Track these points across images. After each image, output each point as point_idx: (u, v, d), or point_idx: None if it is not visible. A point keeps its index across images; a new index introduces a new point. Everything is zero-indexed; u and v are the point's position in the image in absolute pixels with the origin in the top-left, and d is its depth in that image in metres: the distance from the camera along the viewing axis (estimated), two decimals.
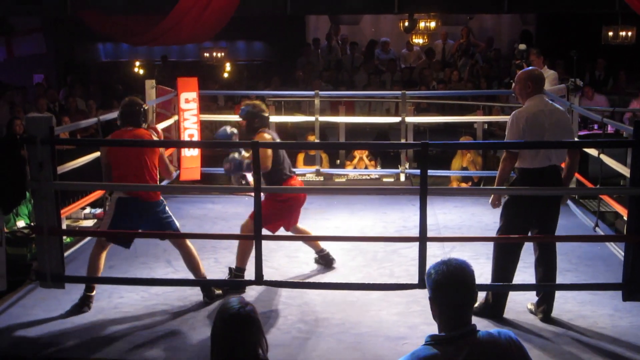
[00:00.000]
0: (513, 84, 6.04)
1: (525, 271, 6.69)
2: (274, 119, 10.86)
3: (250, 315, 3.23)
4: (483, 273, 6.63)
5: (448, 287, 2.93)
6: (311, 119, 10.23)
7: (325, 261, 6.96)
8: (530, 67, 6.33)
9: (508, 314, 5.77)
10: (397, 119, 10.02)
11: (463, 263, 2.98)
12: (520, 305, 5.93)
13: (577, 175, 8.55)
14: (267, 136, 6.45)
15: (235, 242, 7.34)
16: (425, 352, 2.91)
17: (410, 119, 10.04)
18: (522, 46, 10.58)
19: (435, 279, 2.95)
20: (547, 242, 5.77)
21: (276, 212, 6.51)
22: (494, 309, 5.75)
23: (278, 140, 6.75)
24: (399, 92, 10.83)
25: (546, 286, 6.02)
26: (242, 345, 3.20)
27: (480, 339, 2.90)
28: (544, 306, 5.74)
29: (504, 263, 5.76)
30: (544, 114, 5.58)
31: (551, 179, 5.60)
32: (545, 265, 5.79)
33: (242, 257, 6.42)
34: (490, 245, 7.32)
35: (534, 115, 5.57)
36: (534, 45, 16.92)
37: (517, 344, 2.92)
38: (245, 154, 6.59)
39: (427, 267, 3.03)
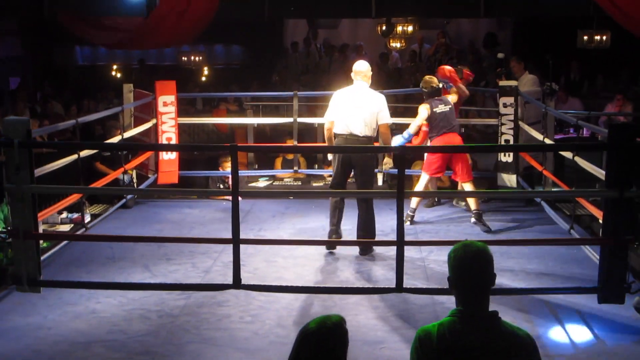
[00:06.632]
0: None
1: (502, 275, 6.75)
2: (252, 121, 10.85)
3: (326, 334, 2.98)
4: None
5: (463, 270, 3.02)
6: (289, 120, 10.22)
7: None
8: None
9: None
10: None
11: (482, 248, 3.05)
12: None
13: (552, 177, 8.64)
14: None
15: (214, 247, 7.39)
16: (450, 323, 2.97)
17: None
18: (501, 55, 10.82)
19: (452, 262, 3.05)
20: (366, 202, 7.36)
21: None
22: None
23: None
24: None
25: (525, 291, 6.11)
26: None
27: (501, 326, 2.98)
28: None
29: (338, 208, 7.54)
30: (352, 94, 7.34)
31: (350, 141, 7.25)
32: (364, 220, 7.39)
33: None
34: None
35: (342, 94, 7.43)
36: (499, 44, 17.12)
37: (533, 343, 2.98)
38: None
39: (448, 254, 3.08)
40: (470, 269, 3.01)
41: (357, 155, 7.30)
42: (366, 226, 7.40)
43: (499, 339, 2.93)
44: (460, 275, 3.03)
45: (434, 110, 8.52)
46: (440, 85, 8.78)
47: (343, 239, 7.70)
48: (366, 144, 7.31)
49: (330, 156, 8.05)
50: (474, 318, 2.97)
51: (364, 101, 7.30)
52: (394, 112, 11.97)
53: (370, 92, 7.41)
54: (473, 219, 8.39)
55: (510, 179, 9.20)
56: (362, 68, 7.45)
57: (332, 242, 7.61)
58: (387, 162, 7.89)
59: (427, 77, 8.84)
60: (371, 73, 7.52)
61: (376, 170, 9.44)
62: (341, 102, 7.37)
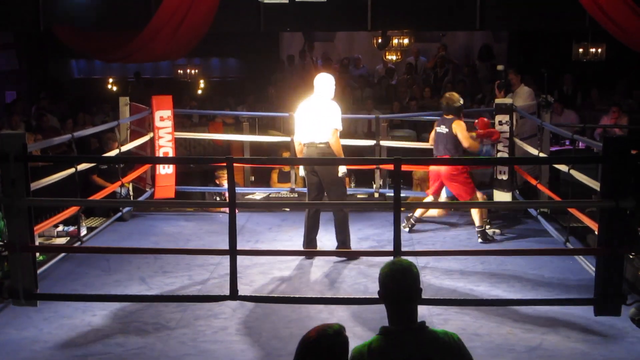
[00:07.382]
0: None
1: (498, 286, 6.76)
2: (249, 138, 10.82)
3: (327, 343, 3.07)
4: (457, 288, 6.70)
5: (391, 284, 3.24)
6: (286, 139, 10.21)
7: None
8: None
9: (482, 328, 5.81)
10: (371, 142, 9.99)
11: (408, 265, 3.27)
12: (494, 319, 5.98)
13: (547, 191, 8.65)
14: None
15: (210, 259, 7.39)
16: (377, 342, 3.14)
17: (385, 143, 9.99)
18: (500, 67, 10.90)
19: (381, 279, 3.29)
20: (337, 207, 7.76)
21: None
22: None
23: None
24: (372, 116, 10.87)
25: (522, 302, 6.11)
26: None
27: (426, 336, 3.15)
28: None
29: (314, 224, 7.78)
30: (309, 106, 7.69)
31: (311, 148, 7.65)
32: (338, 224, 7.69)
33: None
34: (464, 260, 7.42)
35: (302, 107, 7.78)
36: (494, 57, 17.20)
37: (458, 344, 3.16)
38: None
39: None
40: (397, 285, 3.22)
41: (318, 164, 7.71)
42: (340, 225, 7.66)
43: (425, 348, 3.12)
44: (388, 291, 3.24)
45: (436, 128, 8.59)
46: (460, 104, 8.48)
47: (343, 249, 7.72)
48: (325, 149, 7.58)
49: (301, 172, 8.25)
50: (402, 332, 3.16)
51: (318, 109, 7.61)
52: (390, 126, 12.03)
53: (326, 101, 7.66)
54: (480, 239, 8.28)
55: (505, 197, 9.19)
56: (320, 80, 7.74)
57: (330, 253, 7.62)
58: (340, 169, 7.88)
59: (447, 94, 8.78)
60: (330, 85, 7.69)
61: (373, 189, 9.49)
62: (301, 115, 7.77)
